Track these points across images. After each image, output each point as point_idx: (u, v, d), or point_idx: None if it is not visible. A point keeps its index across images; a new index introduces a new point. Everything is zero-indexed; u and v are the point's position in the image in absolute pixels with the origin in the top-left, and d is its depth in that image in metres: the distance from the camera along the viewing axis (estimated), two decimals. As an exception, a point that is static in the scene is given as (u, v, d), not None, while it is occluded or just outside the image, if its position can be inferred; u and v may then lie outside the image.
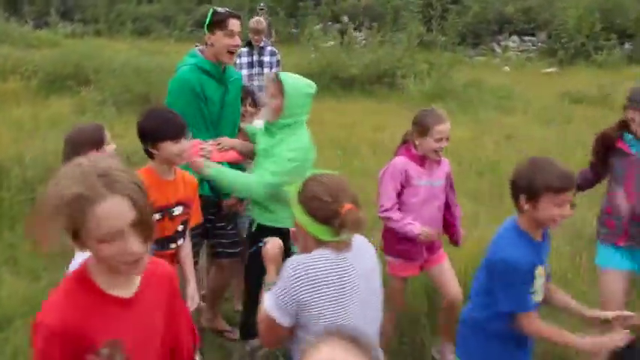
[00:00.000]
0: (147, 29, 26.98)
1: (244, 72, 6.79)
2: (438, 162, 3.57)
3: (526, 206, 2.48)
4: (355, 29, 20.71)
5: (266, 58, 7.12)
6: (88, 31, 26.44)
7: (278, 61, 7.20)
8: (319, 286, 2.07)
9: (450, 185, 3.71)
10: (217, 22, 3.61)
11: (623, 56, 19.73)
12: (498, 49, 22.76)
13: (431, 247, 3.66)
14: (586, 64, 19.15)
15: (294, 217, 2.22)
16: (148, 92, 9.80)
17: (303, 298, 2.05)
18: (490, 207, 6.31)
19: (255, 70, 7.08)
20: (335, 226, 2.12)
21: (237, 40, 3.66)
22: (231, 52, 3.67)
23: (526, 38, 23.16)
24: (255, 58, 7.09)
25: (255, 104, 4.47)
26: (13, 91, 11.74)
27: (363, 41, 17.80)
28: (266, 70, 7.00)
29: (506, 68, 19.09)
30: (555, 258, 4.86)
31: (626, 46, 20.60)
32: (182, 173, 3.12)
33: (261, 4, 14.27)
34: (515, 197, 2.54)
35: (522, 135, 9.44)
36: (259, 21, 7.22)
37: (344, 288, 2.12)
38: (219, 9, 3.70)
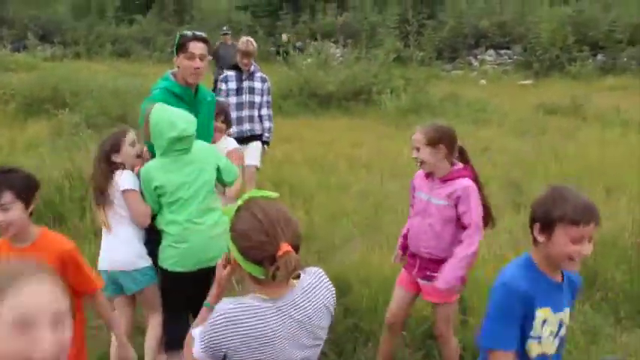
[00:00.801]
0: (126, 51, 27.02)
1: (232, 99, 6.17)
2: (444, 180, 3.33)
3: (540, 237, 2.25)
4: (333, 45, 20.93)
5: (257, 85, 6.36)
6: (67, 54, 26.38)
7: (269, 89, 6.51)
8: (242, 340, 1.91)
9: (464, 212, 3.30)
10: (180, 45, 3.71)
11: (596, 67, 20.13)
12: (475, 63, 23.11)
13: (422, 270, 3.51)
14: (560, 76, 19.51)
15: (230, 245, 1.99)
16: (125, 114, 9.83)
17: (227, 348, 1.92)
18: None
19: (246, 97, 6.32)
20: (268, 269, 1.89)
21: (198, 63, 3.69)
22: (194, 74, 3.75)
23: (502, 52, 23.56)
24: (245, 84, 6.30)
25: (227, 122, 4.59)
26: (-10, 115, 11.71)
27: (340, 58, 17.95)
28: (257, 99, 6.32)
29: (483, 81, 19.38)
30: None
31: (599, 57, 21.04)
32: (46, 240, 2.76)
33: (224, 28, 13.93)
34: (531, 226, 2.30)
35: (498, 147, 9.58)
36: (249, 42, 6.37)
37: (274, 342, 1.93)
38: (186, 32, 3.79)
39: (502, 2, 25.38)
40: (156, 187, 3.39)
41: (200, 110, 3.86)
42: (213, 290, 2.18)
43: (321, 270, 2.12)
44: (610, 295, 4.56)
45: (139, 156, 3.56)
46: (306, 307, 1.98)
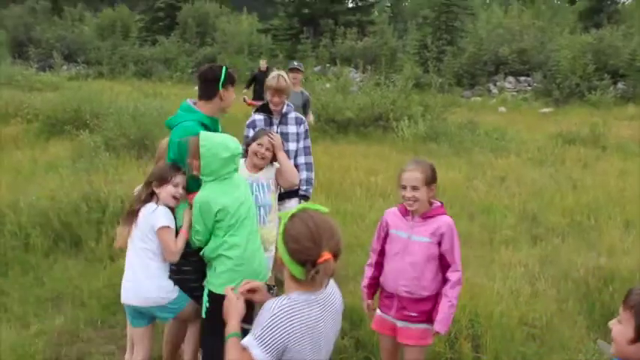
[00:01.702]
0: (148, 71, 27.44)
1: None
2: (426, 217, 3.30)
3: None
4: (352, 70, 21.06)
5: (291, 129, 5.10)
6: (90, 73, 26.85)
7: (306, 132, 5.15)
8: (301, 330, 2.16)
9: (448, 250, 3.29)
10: (229, 79, 3.81)
11: (616, 96, 20.00)
12: (494, 90, 23.09)
13: (400, 310, 3.40)
14: (580, 104, 19.41)
15: (278, 244, 2.24)
16: (144, 137, 9.95)
17: (289, 340, 2.13)
18: (480, 251, 6.34)
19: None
20: (309, 271, 2.14)
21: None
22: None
23: (521, 79, 23.54)
24: (276, 129, 5.03)
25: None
26: (15, 134, 11.94)
27: (360, 83, 18.05)
28: (292, 146, 5.03)
29: (502, 109, 19.34)
30: (541, 301, 4.90)
31: (619, 85, 20.92)
32: None
33: (294, 63, 9.23)
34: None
35: (515, 177, 9.52)
36: (280, 77, 5.06)
37: (319, 331, 2.21)
38: (231, 70, 3.91)
39: (522, 30, 25.41)
40: (218, 211, 3.38)
41: None
42: (230, 321, 2.36)
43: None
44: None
45: (175, 198, 3.60)
46: (336, 301, 2.33)
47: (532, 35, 24.72)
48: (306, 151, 5.11)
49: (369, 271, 3.54)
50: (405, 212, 3.35)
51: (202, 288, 3.58)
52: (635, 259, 5.58)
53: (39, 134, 12.00)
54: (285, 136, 4.93)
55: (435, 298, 3.31)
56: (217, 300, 3.31)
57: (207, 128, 3.69)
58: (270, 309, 2.15)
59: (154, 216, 3.52)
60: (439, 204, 3.36)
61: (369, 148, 11.38)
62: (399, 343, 3.47)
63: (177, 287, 3.61)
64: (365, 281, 3.56)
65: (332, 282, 2.36)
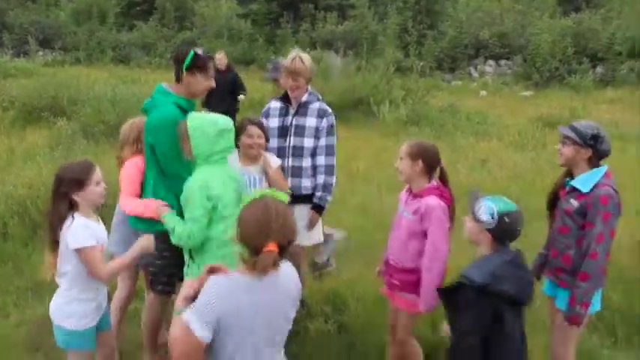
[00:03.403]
0: (127, 57, 27.06)
1: (273, 143, 4.30)
2: (415, 195, 3.45)
3: None
4: (333, 55, 20.93)
5: (310, 121, 4.32)
6: (67, 59, 26.41)
7: (331, 126, 4.36)
8: (235, 311, 2.21)
9: (428, 229, 3.36)
10: (198, 64, 3.63)
11: (595, 79, 20.17)
12: (475, 74, 23.15)
13: (387, 275, 3.68)
14: (560, 87, 19.55)
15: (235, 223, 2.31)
16: (122, 123, 9.80)
17: (221, 317, 2.18)
18: (460, 234, 6.35)
19: (290, 141, 4.33)
20: (251, 256, 2.22)
21: (213, 82, 3.75)
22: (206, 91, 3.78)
23: (502, 62, 23.61)
24: (291, 120, 4.34)
25: (265, 135, 4.11)
26: (-10, 122, 11.73)
27: (340, 67, 17.98)
28: (308, 142, 4.33)
29: (483, 92, 19.41)
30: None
31: (598, 69, 21.08)
32: None
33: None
34: None
35: (497, 160, 9.57)
36: (297, 58, 4.28)
37: (258, 313, 2.25)
38: (197, 50, 3.71)
39: (502, 13, 25.45)
40: (214, 196, 3.24)
41: None
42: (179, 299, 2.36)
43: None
44: (606, 315, 4.53)
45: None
46: (288, 285, 2.37)
47: (512, 19, 24.78)
48: (328, 151, 4.33)
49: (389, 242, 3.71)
50: (409, 189, 3.56)
51: (181, 276, 3.49)
52: (614, 241, 5.64)
53: (15, 122, 11.79)
54: (300, 130, 4.28)
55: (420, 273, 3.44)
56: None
57: (183, 110, 3.58)
58: (211, 285, 2.21)
59: (69, 233, 3.02)
60: (432, 185, 3.45)
61: (350, 133, 11.35)
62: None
63: (80, 324, 3.16)
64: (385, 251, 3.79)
65: (288, 266, 2.40)
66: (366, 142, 11.10)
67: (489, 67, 23.54)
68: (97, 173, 3.12)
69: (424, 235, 3.38)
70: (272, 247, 2.18)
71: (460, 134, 11.57)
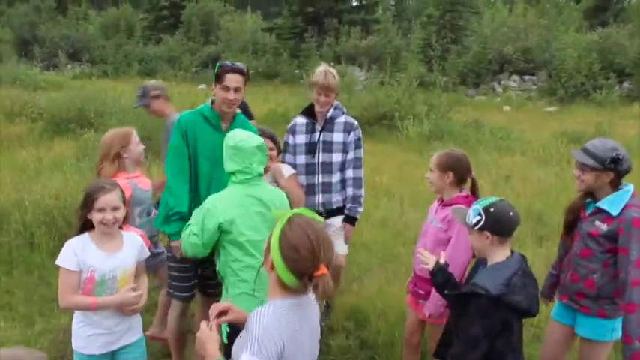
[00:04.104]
0: (153, 70, 27.45)
1: (300, 159, 4.38)
2: (445, 204, 3.45)
3: None
4: (357, 69, 21.02)
5: (337, 137, 4.34)
6: (95, 72, 26.87)
7: (359, 140, 4.40)
8: (292, 334, 2.11)
9: (450, 238, 3.40)
10: (217, 76, 3.72)
11: (622, 95, 19.93)
12: (499, 89, 23.03)
13: (413, 285, 3.69)
14: (585, 103, 19.33)
15: (272, 246, 2.14)
16: (148, 135, 9.93)
17: (284, 347, 2.07)
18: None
19: (319, 157, 4.36)
20: (304, 283, 2.11)
21: (232, 95, 3.67)
22: (227, 104, 3.73)
23: (526, 77, 23.47)
24: (319, 136, 4.35)
25: (277, 146, 4.23)
26: (19, 133, 11.96)
27: (364, 82, 18.03)
28: (336, 157, 4.34)
29: (507, 107, 19.28)
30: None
31: (625, 84, 20.83)
32: None
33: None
34: None
35: (520, 176, 9.49)
36: (328, 73, 4.30)
37: (304, 332, 2.17)
38: (225, 62, 3.80)
39: (527, 28, 25.34)
40: (224, 222, 3.12)
41: None
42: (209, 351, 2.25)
43: None
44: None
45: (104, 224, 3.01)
46: (313, 302, 2.25)
47: (537, 34, 24.64)
48: (356, 164, 4.38)
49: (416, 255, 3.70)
50: (440, 199, 3.57)
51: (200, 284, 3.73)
52: None
53: (43, 133, 12.01)
54: (328, 146, 4.31)
55: None
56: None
57: (205, 119, 3.75)
58: (258, 320, 2.07)
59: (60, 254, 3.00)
60: (462, 194, 3.46)
61: (374, 147, 11.35)
62: (421, 320, 3.68)
63: (87, 352, 3.10)
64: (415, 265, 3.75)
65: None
66: (389, 156, 11.09)
67: (513, 82, 23.41)
68: (111, 195, 3.01)
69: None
70: (324, 269, 2.08)
71: (483, 149, 11.50)
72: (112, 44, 30.54)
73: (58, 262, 2.96)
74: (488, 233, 2.76)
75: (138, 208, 4.04)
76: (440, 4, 25.89)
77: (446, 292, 2.98)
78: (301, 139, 4.36)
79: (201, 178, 3.74)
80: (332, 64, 24.64)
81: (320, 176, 4.34)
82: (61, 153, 10.11)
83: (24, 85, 18.34)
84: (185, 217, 3.54)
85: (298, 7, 29.79)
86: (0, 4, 43.82)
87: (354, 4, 32.07)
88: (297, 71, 24.16)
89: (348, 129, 4.34)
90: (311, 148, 4.33)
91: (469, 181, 3.51)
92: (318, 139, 4.32)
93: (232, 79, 3.68)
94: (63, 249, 2.99)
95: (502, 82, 23.38)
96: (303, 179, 4.36)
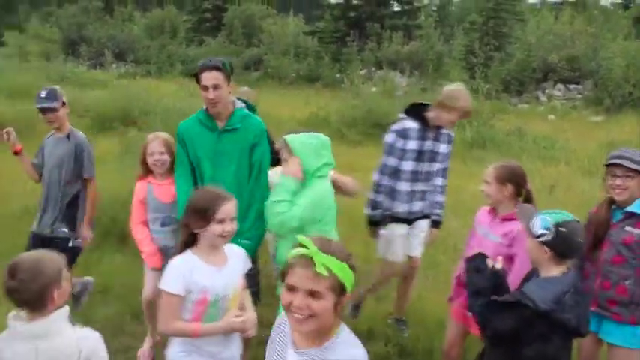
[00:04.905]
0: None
1: (407, 165, 4.36)
2: (505, 219, 3.41)
3: None
4: (398, 75, 20.90)
5: (442, 148, 4.44)
6: (139, 72, 27.35)
7: (450, 152, 4.59)
8: None
9: (515, 254, 3.32)
10: (195, 76, 3.71)
11: (672, 105, 19.36)
12: (543, 97, 22.61)
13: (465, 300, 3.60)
14: (633, 113, 18.82)
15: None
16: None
17: None
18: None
19: (424, 166, 4.43)
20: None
21: (211, 94, 3.61)
22: (211, 104, 3.69)
23: (571, 86, 22.97)
24: (430, 145, 4.38)
25: None
26: (65, 130, 12.23)
27: (405, 87, 17.91)
28: (436, 166, 4.48)
29: (552, 117, 18.91)
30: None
31: (675, 95, 20.20)
32: None
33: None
34: None
35: (565, 187, 9.29)
36: (466, 95, 4.32)
37: None
38: (202, 61, 3.76)
39: (573, 36, 24.82)
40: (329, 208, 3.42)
41: (224, 137, 3.77)
42: None
43: None
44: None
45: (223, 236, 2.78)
46: None
47: (583, 42, 24.09)
48: (444, 174, 4.58)
49: (460, 263, 3.71)
50: (491, 211, 3.52)
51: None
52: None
53: (88, 130, 12.16)
54: (434, 156, 4.38)
55: None
56: None
57: (202, 124, 3.80)
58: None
59: (164, 274, 2.77)
60: None
61: (414, 153, 11.24)
62: (467, 332, 3.66)
63: None
64: (456, 272, 3.73)
65: None
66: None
67: (558, 91, 22.94)
68: (230, 205, 2.77)
69: (511, 259, 3.30)
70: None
71: (527, 159, 11.28)
72: (155, 45, 31.04)
73: (163, 285, 2.72)
74: (548, 249, 2.68)
75: (151, 214, 4.10)
76: (483, 11, 25.56)
77: (493, 297, 2.90)
78: (413, 145, 4.31)
79: (206, 181, 3.76)
80: (373, 69, 24.62)
81: (422, 184, 4.42)
82: (105, 150, 10.27)
83: (71, 83, 18.76)
84: None
85: (340, 12, 29.79)
86: (50, 5, 45.02)
87: (397, 9, 31.90)
88: (338, 75, 24.13)
89: (450, 141, 4.50)
90: (420, 156, 4.34)
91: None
92: (429, 148, 4.36)
93: (208, 77, 3.62)
94: (167, 270, 2.74)
95: (546, 90, 22.94)
96: (405, 185, 4.37)
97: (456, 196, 8.44)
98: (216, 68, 3.61)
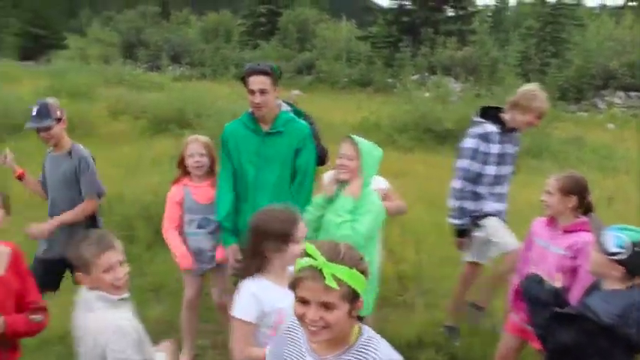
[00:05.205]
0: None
1: (490, 169, 4.22)
2: (567, 230, 3.30)
3: None
4: (452, 80, 20.67)
5: (516, 150, 4.39)
6: (194, 74, 27.86)
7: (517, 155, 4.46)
8: None
9: (580, 266, 3.16)
10: (242, 79, 3.68)
11: None
12: (602, 105, 21.97)
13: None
14: (698, 122, 18.13)
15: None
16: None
17: None
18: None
19: (505, 169, 4.33)
20: None
21: (258, 98, 3.58)
22: (256, 109, 3.67)
23: (632, 94, 22.25)
24: (508, 148, 4.28)
25: None
26: (123, 130, 12.55)
27: (459, 93, 17.69)
28: (507, 169, 4.31)
29: (611, 125, 18.35)
30: None
31: None
32: None
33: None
34: None
35: (624, 198, 8.97)
36: (536, 91, 4.19)
37: None
38: (250, 64, 3.72)
39: (635, 41, 24.04)
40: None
41: (268, 141, 3.74)
42: None
43: None
44: None
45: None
46: None
47: (646, 47, 23.35)
48: (510, 177, 4.44)
49: (515, 278, 3.58)
50: (550, 222, 3.40)
51: None
52: None
53: (145, 131, 12.53)
54: (511, 158, 4.28)
55: None
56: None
57: (246, 127, 3.78)
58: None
59: (237, 301, 2.62)
60: (585, 220, 3.27)
61: (467, 160, 11.05)
62: (523, 345, 3.55)
63: None
64: (512, 287, 3.60)
65: None
66: (483, 170, 10.77)
67: (618, 98, 22.25)
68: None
69: (574, 271, 3.20)
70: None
71: (585, 169, 10.96)
72: (210, 48, 31.63)
73: (235, 312, 2.59)
74: (622, 268, 2.56)
75: (187, 216, 4.06)
76: (540, 16, 25.11)
77: (556, 310, 2.79)
78: (495, 148, 4.17)
79: (249, 183, 3.75)
80: (426, 74, 24.41)
81: (500, 187, 4.30)
82: (160, 151, 10.48)
83: (128, 85, 19.29)
84: (224, 226, 3.79)
85: (393, 16, 29.69)
86: (109, 10, 46.48)
87: (450, 14, 31.57)
88: (390, 80, 24.03)
89: (518, 143, 4.39)
90: (502, 159, 4.21)
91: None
92: (509, 150, 4.26)
93: (255, 82, 3.57)
94: (240, 297, 2.60)
95: (606, 98, 22.28)
96: (488, 189, 4.25)
97: (510, 205, 8.27)
98: (264, 73, 3.58)
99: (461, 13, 31.55)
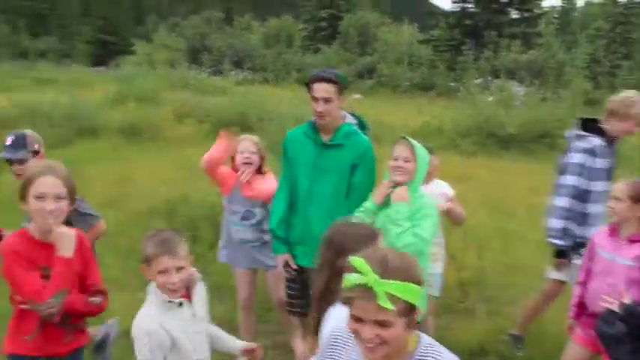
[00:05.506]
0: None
1: (597, 185, 3.92)
2: (633, 239, 3.17)
3: None
4: (516, 84, 20.21)
5: (613, 162, 4.08)
6: (256, 79, 28.26)
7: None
8: None
9: None
10: (307, 86, 3.55)
11: None
12: (678, 110, 21.04)
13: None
14: None
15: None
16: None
17: None
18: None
19: (610, 185, 3.93)
20: None
21: (321, 107, 3.46)
22: (318, 117, 3.53)
23: None
24: (613, 162, 4.01)
25: None
26: (188, 133, 12.86)
27: (523, 97, 17.30)
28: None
29: (685, 130, 17.52)
30: None
31: None
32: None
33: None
34: None
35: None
36: (634, 97, 3.95)
37: None
38: (316, 70, 3.62)
39: None
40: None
41: (326, 153, 3.62)
42: None
43: None
44: None
45: None
46: None
47: None
48: None
49: (576, 290, 3.48)
50: (612, 232, 3.27)
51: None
52: None
53: (209, 134, 12.78)
54: (610, 172, 3.97)
55: None
56: None
57: (306, 135, 3.70)
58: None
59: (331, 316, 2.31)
60: None
61: (532, 166, 10.81)
62: (593, 358, 3.42)
63: None
64: (574, 300, 3.50)
65: None
66: (547, 176, 10.41)
67: (694, 102, 21.27)
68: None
69: None
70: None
71: (656, 175, 10.52)
72: (272, 53, 32.02)
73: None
74: None
75: (232, 206, 4.10)
76: (610, 17, 24.26)
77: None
78: (601, 163, 3.90)
79: (300, 193, 3.67)
80: (489, 78, 23.96)
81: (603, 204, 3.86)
82: (224, 154, 10.69)
83: (193, 89, 19.73)
84: (276, 235, 3.70)
85: (456, 20, 29.32)
86: (175, 17, 47.80)
87: (515, 16, 30.89)
88: (452, 84, 23.73)
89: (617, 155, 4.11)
90: (609, 174, 3.94)
91: None
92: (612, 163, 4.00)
93: (320, 89, 3.43)
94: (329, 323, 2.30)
95: (681, 102, 21.35)
96: (597, 207, 3.92)
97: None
98: (329, 80, 3.44)
99: (526, 15, 30.84)
